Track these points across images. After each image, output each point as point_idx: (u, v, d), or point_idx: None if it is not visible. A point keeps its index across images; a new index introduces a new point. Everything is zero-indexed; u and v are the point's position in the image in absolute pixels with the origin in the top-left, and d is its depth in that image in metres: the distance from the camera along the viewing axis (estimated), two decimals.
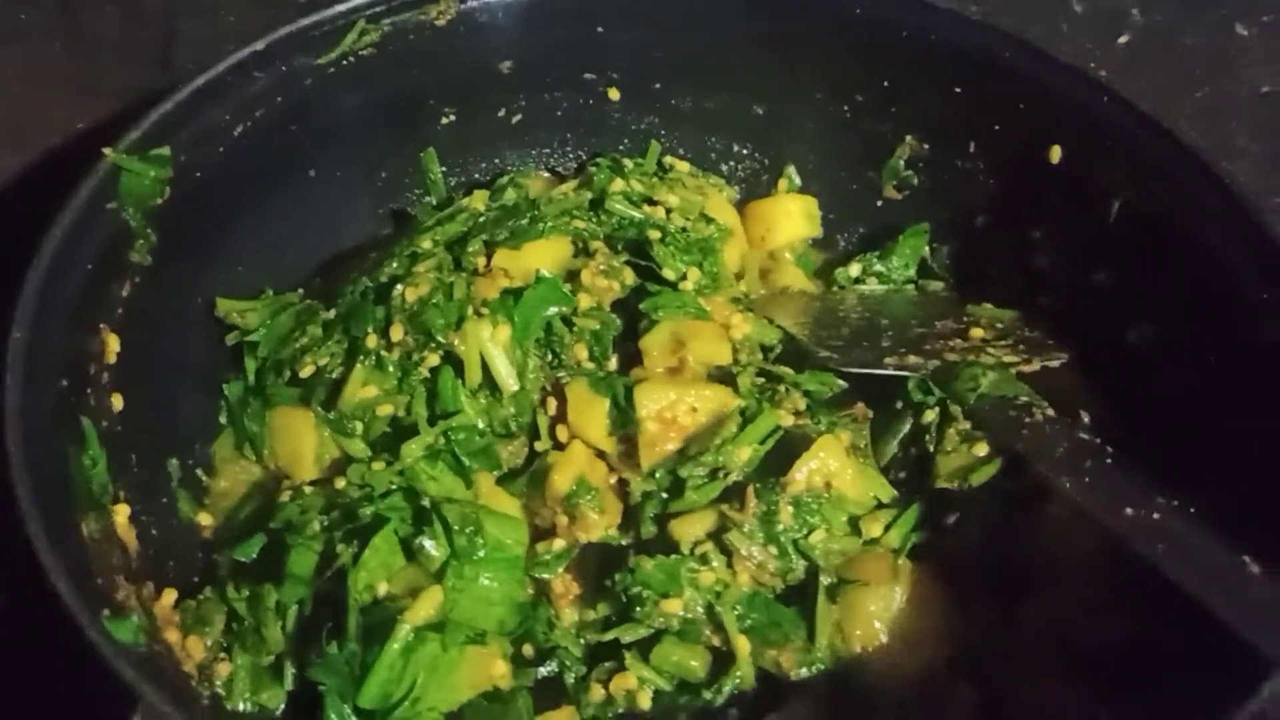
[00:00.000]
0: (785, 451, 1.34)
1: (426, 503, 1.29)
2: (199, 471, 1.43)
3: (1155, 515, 1.16)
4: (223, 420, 1.48)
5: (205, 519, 1.40)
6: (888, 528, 1.31)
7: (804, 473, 1.29)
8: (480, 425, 1.40)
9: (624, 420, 1.37)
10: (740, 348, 1.47)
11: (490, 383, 1.40)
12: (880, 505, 1.35)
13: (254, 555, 1.31)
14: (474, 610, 1.28)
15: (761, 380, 1.43)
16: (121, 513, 1.23)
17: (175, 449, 1.40)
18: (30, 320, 1.16)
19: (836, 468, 1.31)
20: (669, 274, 1.49)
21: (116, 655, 0.96)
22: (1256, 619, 1.04)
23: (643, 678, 1.26)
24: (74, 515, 1.12)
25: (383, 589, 1.25)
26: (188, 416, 1.44)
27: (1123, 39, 1.76)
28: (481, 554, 1.28)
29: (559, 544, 1.35)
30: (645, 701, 1.26)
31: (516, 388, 1.40)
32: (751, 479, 1.32)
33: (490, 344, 1.39)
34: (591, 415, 1.38)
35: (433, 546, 1.27)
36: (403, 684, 1.19)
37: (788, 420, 1.37)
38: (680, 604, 1.26)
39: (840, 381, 1.46)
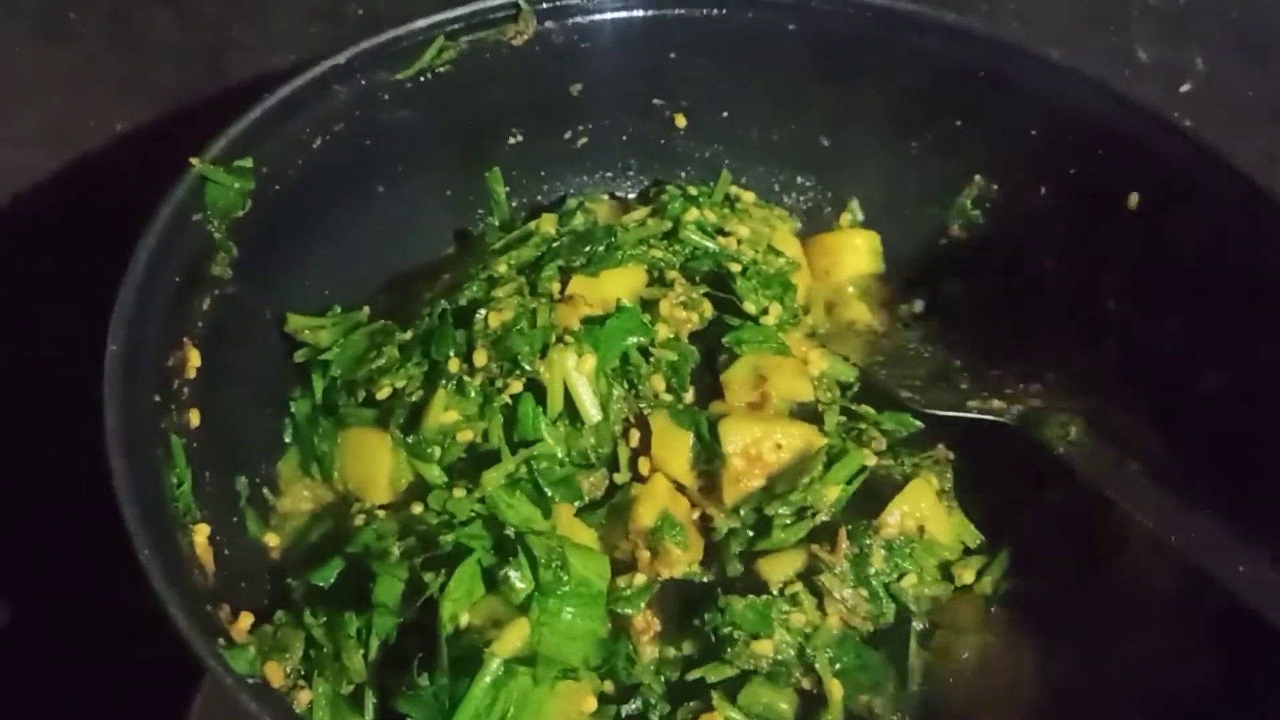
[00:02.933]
0: (871, 493, 1.33)
1: (510, 533, 1.26)
2: (265, 491, 1.40)
3: (1263, 568, 1.15)
4: (287, 439, 1.44)
5: (272, 539, 1.37)
6: (980, 574, 1.30)
7: (896, 516, 1.29)
8: (561, 455, 1.37)
9: (708, 455, 1.36)
10: (818, 385, 1.45)
11: (572, 412, 1.38)
12: (968, 551, 1.33)
13: (332, 580, 1.27)
14: (558, 644, 1.25)
15: (844, 419, 1.41)
16: (201, 533, 1.20)
17: (243, 467, 1.36)
18: (125, 334, 1.13)
19: (928, 511, 1.30)
20: (750, 308, 1.48)
21: (238, 687, 0.92)
22: None
23: (730, 719, 1.23)
24: (176, 537, 1.08)
25: (464, 619, 1.22)
26: (255, 434, 1.41)
27: (1185, 87, 1.77)
28: (566, 588, 1.25)
29: (640, 579, 1.32)
30: None
31: (600, 418, 1.38)
32: (838, 519, 1.31)
33: (575, 373, 1.36)
34: (676, 448, 1.36)
35: (518, 578, 1.24)
36: (492, 718, 1.16)
37: (872, 460, 1.36)
38: (771, 645, 1.24)
39: (917, 422, 1.45)
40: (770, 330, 1.46)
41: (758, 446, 1.35)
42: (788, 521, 1.31)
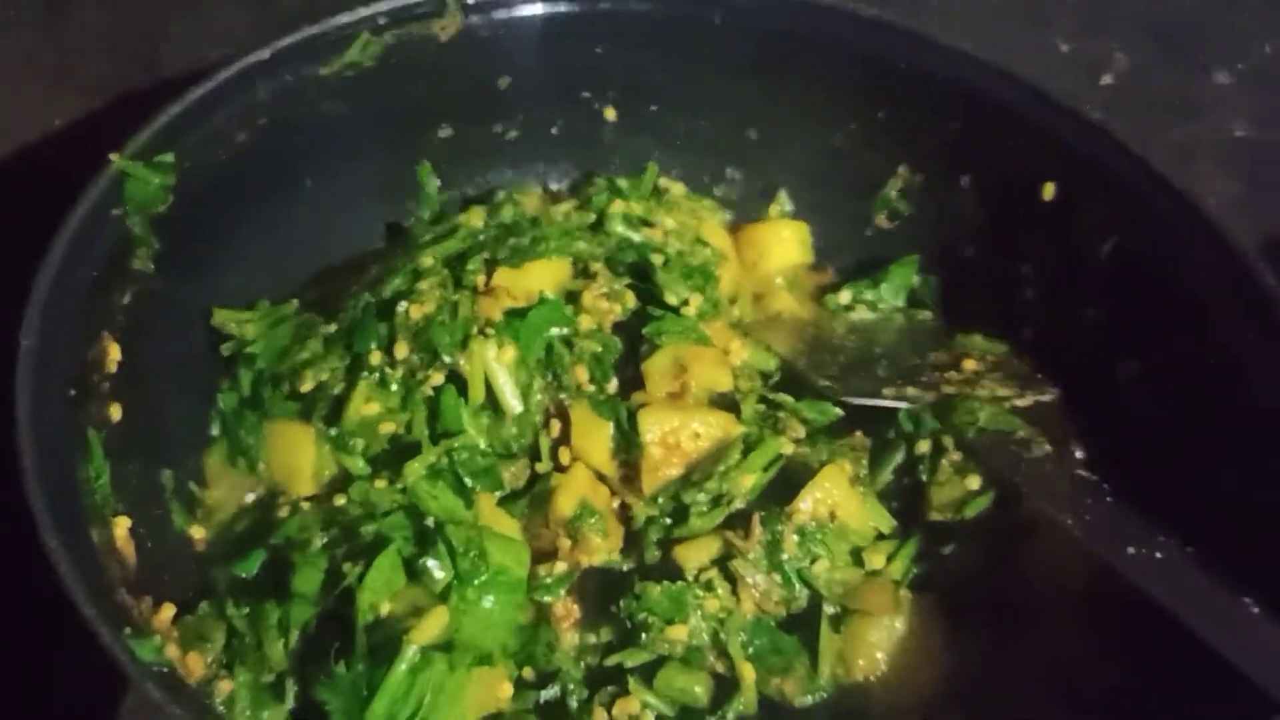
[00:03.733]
0: (787, 480, 1.36)
1: (430, 523, 1.28)
2: (191, 484, 1.41)
3: (1156, 554, 1.19)
4: (214, 432, 1.45)
5: (199, 532, 1.38)
6: (890, 559, 1.33)
7: (809, 502, 1.31)
8: (483, 445, 1.39)
9: (627, 444, 1.38)
10: (739, 374, 1.48)
11: (494, 403, 1.40)
12: (880, 536, 1.36)
13: (255, 571, 1.29)
14: (477, 632, 1.27)
15: (763, 407, 1.44)
16: (122, 525, 1.21)
17: (168, 460, 1.38)
18: (39, 328, 1.14)
19: (841, 498, 1.32)
20: (671, 299, 1.50)
21: (142, 675, 0.94)
22: (1259, 658, 1.07)
23: (646, 703, 1.26)
24: (87, 529, 1.09)
25: (385, 608, 1.24)
26: (180, 427, 1.42)
27: (1105, 79, 1.80)
28: (485, 577, 1.27)
29: (560, 567, 1.34)
30: None
31: (521, 409, 1.40)
32: (754, 506, 1.34)
33: (496, 364, 1.38)
34: (595, 438, 1.38)
35: (437, 568, 1.26)
36: (409, 704, 1.18)
37: (789, 448, 1.38)
38: (685, 630, 1.27)
39: (837, 410, 1.47)
40: (691, 321, 1.48)
41: (676, 435, 1.37)
42: (704, 509, 1.33)
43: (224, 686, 1.22)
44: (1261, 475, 1.26)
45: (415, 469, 1.34)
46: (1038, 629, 1.32)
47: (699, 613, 1.28)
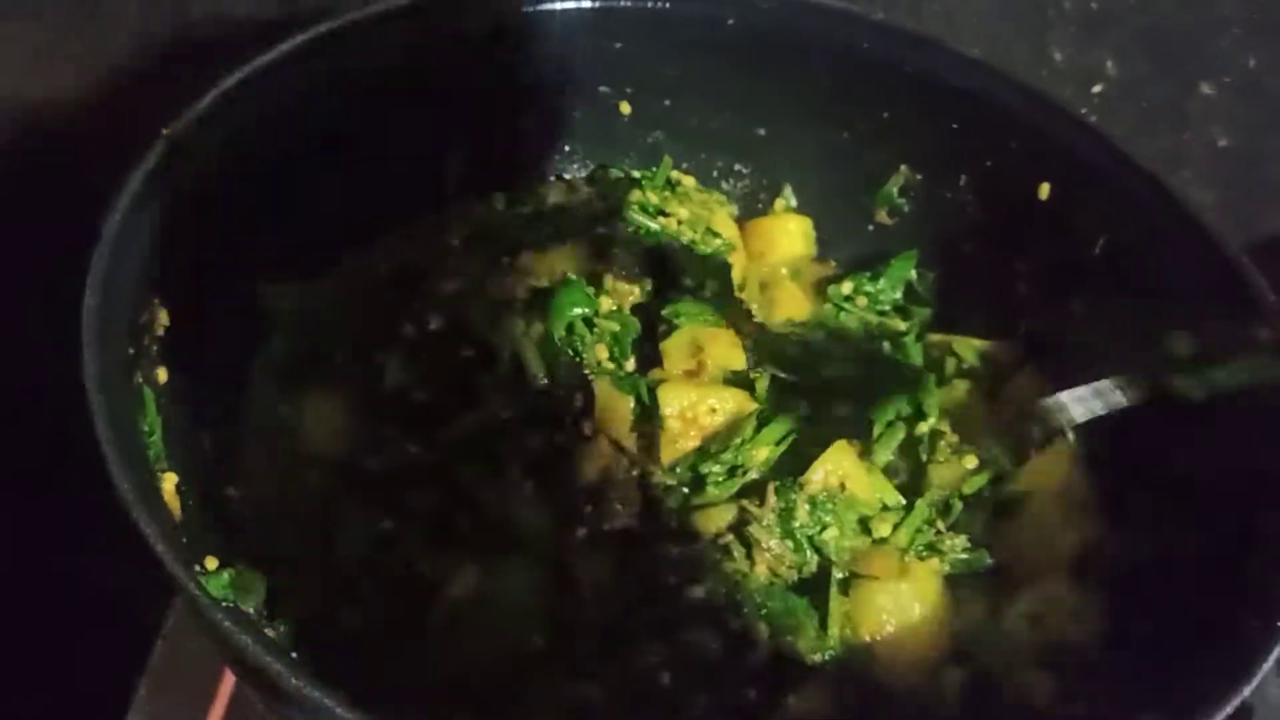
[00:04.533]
0: (798, 453, 1.43)
1: (458, 489, 1.35)
2: (230, 448, 1.47)
3: None
4: (253, 398, 1.51)
5: (234, 492, 1.44)
6: (896, 527, 1.41)
7: (820, 474, 1.38)
8: (508, 416, 1.45)
9: (647, 417, 1.45)
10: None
11: (520, 376, 1.46)
12: (885, 508, 1.44)
13: (290, 534, 1.35)
14: (505, 592, 1.34)
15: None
16: (170, 480, 1.26)
17: (209, 425, 1.43)
18: (101, 286, 1.20)
19: (850, 470, 1.40)
20: (689, 282, 1.57)
21: (214, 610, 1.00)
22: None
23: (662, 658, 1.33)
24: (152, 474, 1.16)
25: (419, 566, 1.32)
26: (220, 394, 1.47)
27: (1096, 88, 1.89)
28: (512, 541, 1.34)
29: (581, 533, 1.41)
30: (664, 680, 1.33)
31: (546, 382, 1.46)
32: (767, 477, 1.41)
33: (524, 339, 1.45)
34: (617, 411, 1.45)
35: (468, 528, 1.33)
36: None
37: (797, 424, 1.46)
38: (703, 590, 1.34)
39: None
40: (706, 304, 1.56)
41: (693, 410, 1.44)
42: (720, 478, 1.41)
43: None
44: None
45: (447, 437, 1.41)
46: (1023, 594, 1.41)
47: (716, 574, 1.34)
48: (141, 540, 1.02)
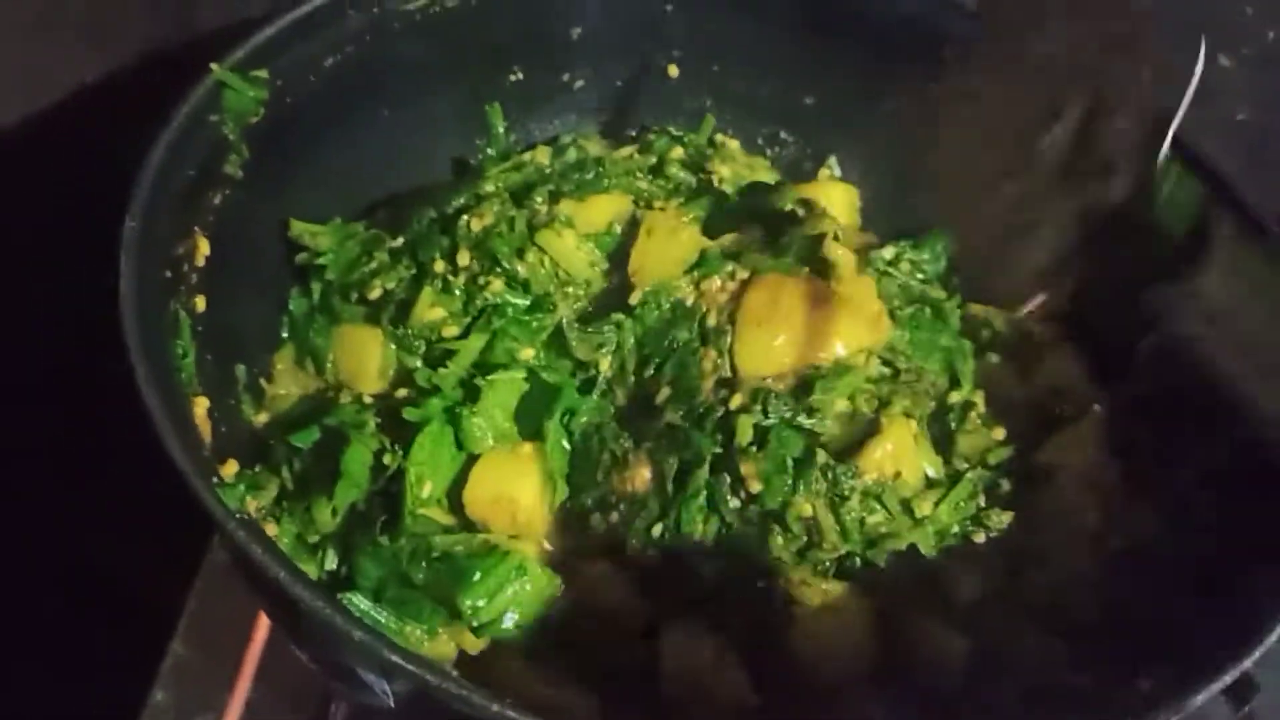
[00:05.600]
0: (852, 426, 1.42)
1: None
2: (261, 380, 1.51)
3: None
4: (285, 334, 1.55)
5: (262, 418, 1.47)
6: (937, 504, 1.40)
7: (876, 462, 1.37)
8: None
9: None
10: None
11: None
12: (929, 484, 1.43)
13: (309, 444, 1.38)
14: None
15: None
16: (201, 405, 1.30)
17: (243, 355, 1.47)
18: (142, 210, 1.23)
19: (905, 454, 1.39)
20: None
21: (228, 519, 1.03)
22: None
23: None
24: (179, 390, 1.19)
25: (426, 489, 1.35)
26: (255, 326, 1.52)
27: None
28: None
29: None
30: None
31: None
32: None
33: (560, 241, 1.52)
34: None
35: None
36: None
37: None
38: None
39: None
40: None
41: None
42: None
43: (269, 529, 1.32)
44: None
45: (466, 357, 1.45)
46: (1040, 565, 1.40)
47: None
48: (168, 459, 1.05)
